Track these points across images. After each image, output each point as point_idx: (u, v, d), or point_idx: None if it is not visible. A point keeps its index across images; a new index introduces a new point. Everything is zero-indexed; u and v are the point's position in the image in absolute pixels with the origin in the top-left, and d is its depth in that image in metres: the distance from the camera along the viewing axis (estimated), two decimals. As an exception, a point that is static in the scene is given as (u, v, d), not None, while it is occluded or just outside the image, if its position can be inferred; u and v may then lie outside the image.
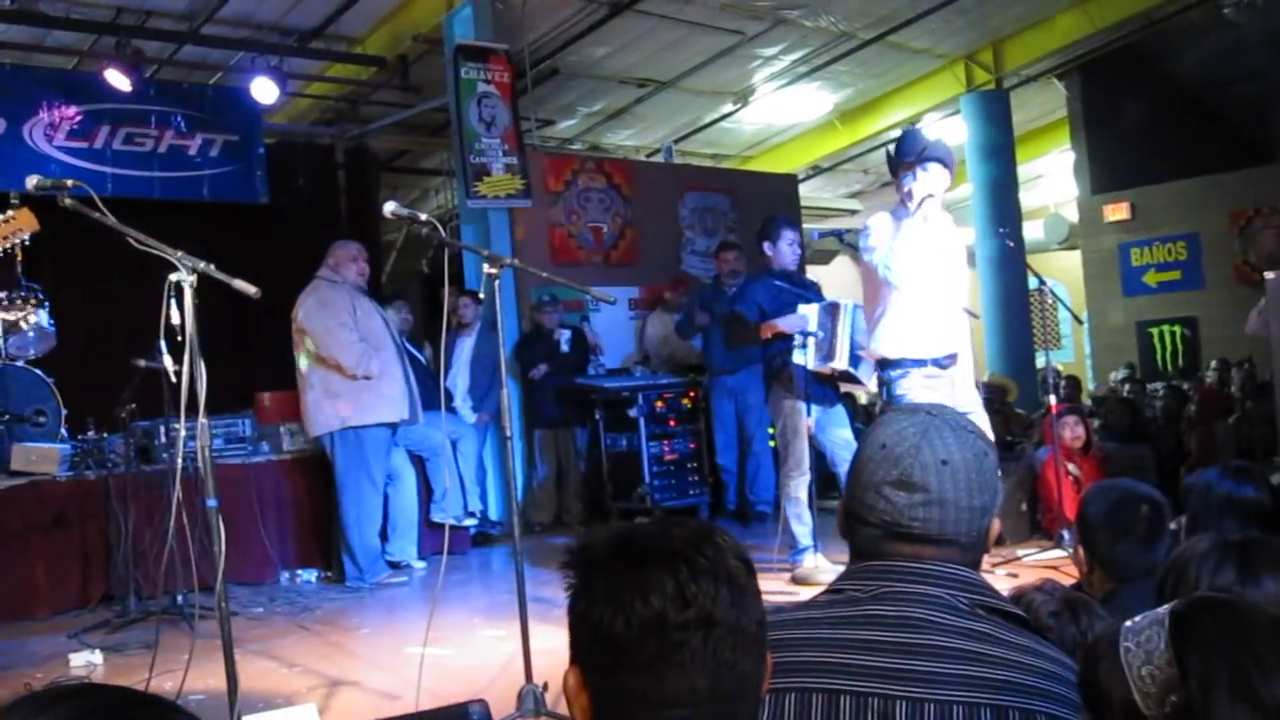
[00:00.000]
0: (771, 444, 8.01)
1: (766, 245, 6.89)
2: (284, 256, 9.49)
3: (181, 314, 3.49)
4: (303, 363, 7.14)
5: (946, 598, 1.66)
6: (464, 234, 9.67)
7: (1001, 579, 5.69)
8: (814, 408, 6.39)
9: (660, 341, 10.22)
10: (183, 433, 3.75)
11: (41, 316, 7.07)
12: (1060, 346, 17.06)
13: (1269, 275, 5.95)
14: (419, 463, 7.71)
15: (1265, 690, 1.30)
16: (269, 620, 6.28)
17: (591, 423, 9.18)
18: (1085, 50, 13.71)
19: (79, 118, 9.02)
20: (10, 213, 4.38)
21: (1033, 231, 17.09)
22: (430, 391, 7.42)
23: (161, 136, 9.49)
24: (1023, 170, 15.02)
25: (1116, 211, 15.84)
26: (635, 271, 10.89)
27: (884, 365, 5.65)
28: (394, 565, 7.36)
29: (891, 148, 5.82)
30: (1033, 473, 7.33)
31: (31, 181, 3.65)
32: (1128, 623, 1.44)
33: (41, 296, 7.10)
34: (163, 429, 6.83)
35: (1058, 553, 6.48)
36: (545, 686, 3.96)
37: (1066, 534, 6.35)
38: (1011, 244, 11.57)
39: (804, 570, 6.33)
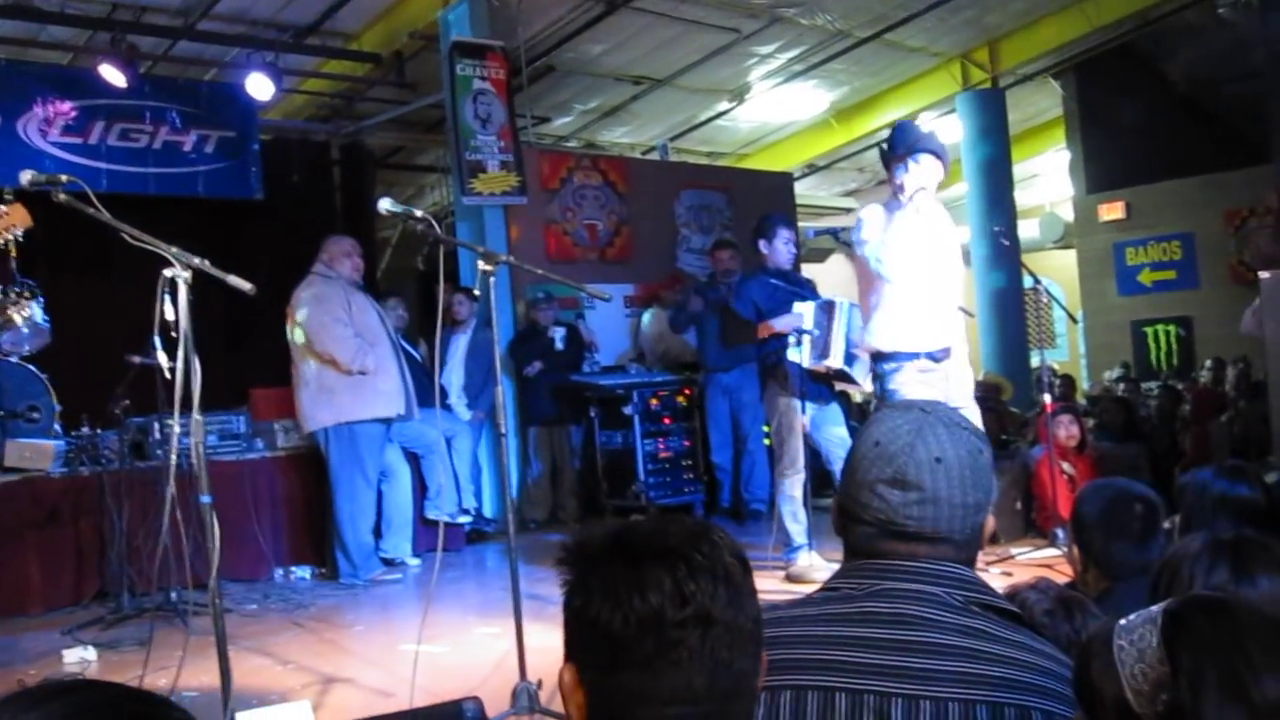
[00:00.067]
0: (766, 442, 8.01)
1: (762, 243, 6.89)
2: (279, 253, 9.46)
3: (176, 310, 3.49)
4: (297, 358, 7.13)
5: (941, 595, 1.66)
6: (459, 231, 9.66)
7: (996, 577, 5.69)
8: (809, 405, 6.40)
9: (655, 339, 10.22)
10: (177, 429, 3.75)
11: (36, 312, 7.05)
12: (1055, 345, 17.09)
13: (1264, 275, 5.96)
14: (414, 460, 7.70)
15: (1256, 690, 1.30)
16: (263, 617, 6.28)
17: (586, 420, 9.18)
18: (1081, 49, 13.73)
19: (74, 113, 9.00)
20: (4, 208, 4.38)
21: (1028, 230, 17.12)
22: (425, 388, 7.42)
23: (156, 132, 9.47)
24: (1018, 169, 15.03)
25: (1112, 211, 15.87)
26: (630, 269, 10.89)
27: (878, 358, 5.61)
28: (389, 562, 7.37)
29: (885, 141, 5.80)
30: (1027, 471, 7.35)
31: (26, 177, 3.64)
32: (1122, 621, 1.44)
33: (36, 292, 7.09)
34: (157, 425, 6.82)
35: (1052, 551, 6.49)
36: (540, 684, 3.96)
37: (1061, 533, 6.37)
38: (1007, 242, 11.58)
39: (799, 568, 6.34)
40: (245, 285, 3.61)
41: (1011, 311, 13.15)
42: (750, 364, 7.35)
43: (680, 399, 9.13)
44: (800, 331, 6.34)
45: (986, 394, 9.97)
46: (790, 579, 6.29)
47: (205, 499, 3.50)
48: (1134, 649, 1.39)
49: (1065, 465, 7.04)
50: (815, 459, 6.64)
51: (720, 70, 12.55)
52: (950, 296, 5.67)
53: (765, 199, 11.73)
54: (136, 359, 6.13)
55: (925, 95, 13.97)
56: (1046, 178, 18.47)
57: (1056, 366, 14.81)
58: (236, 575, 7.02)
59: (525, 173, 9.64)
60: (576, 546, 1.32)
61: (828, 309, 6.42)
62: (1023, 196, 16.24)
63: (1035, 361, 10.68)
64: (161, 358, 3.70)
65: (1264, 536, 2.26)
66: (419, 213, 4.56)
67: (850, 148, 15.47)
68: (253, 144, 10.03)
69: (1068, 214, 17.50)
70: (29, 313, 6.99)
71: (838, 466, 6.08)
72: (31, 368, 7.00)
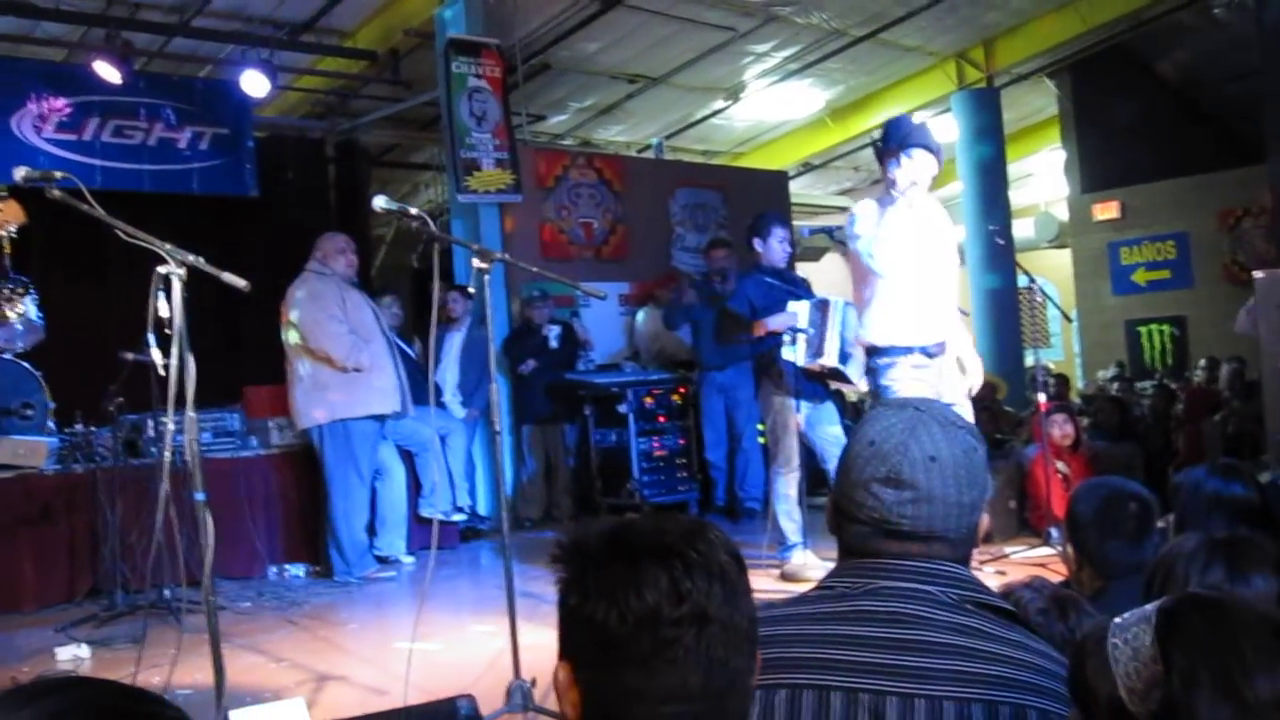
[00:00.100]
0: (761, 440, 8.01)
1: (757, 242, 6.88)
2: (273, 250, 9.47)
3: (170, 307, 3.48)
4: (291, 355, 7.12)
5: (936, 593, 1.66)
6: (454, 229, 9.64)
7: (990, 576, 5.69)
8: (803, 404, 6.40)
9: (650, 337, 10.22)
10: (171, 426, 3.74)
11: (29, 309, 7.04)
12: (1049, 345, 17.11)
13: (1258, 275, 5.99)
14: (408, 458, 7.69)
15: (1248, 689, 1.30)
16: (257, 615, 6.27)
17: (581, 418, 9.18)
18: (1076, 49, 13.73)
19: (68, 110, 8.99)
20: (-2, 204, 4.36)
21: (1023, 230, 17.14)
22: (420, 386, 7.41)
23: (151, 129, 9.45)
24: (1013, 168, 15.05)
25: (1106, 210, 15.89)
26: (625, 267, 10.89)
27: (872, 352, 5.59)
28: (383, 560, 7.36)
29: (878, 136, 5.77)
30: (1021, 470, 7.35)
31: (20, 173, 3.64)
32: (1117, 619, 1.44)
33: (30, 288, 7.08)
34: (151, 423, 6.80)
35: (1046, 550, 6.49)
36: (533, 682, 3.95)
37: (1054, 531, 6.37)
38: (1001, 242, 11.60)
39: (793, 567, 6.34)
40: (240, 282, 3.60)
41: (1006, 311, 13.16)
42: (745, 362, 7.35)
43: (675, 397, 9.13)
44: (795, 330, 6.33)
45: (981, 393, 10.00)
46: (784, 577, 6.29)
47: (199, 496, 3.50)
48: (1128, 647, 1.39)
49: (1060, 464, 7.05)
50: (810, 458, 6.64)
51: (716, 69, 12.55)
52: (944, 291, 5.64)
53: (760, 198, 11.74)
54: (130, 356, 6.11)
55: (920, 94, 13.97)
56: (1041, 177, 18.48)
57: (1051, 366, 14.83)
58: (230, 573, 7.00)
59: (520, 170, 9.63)
60: (572, 544, 1.31)
61: (822, 308, 6.41)
62: (1017, 196, 16.26)
63: (1030, 361, 10.70)
64: (156, 355, 3.70)
65: (1258, 536, 2.27)
66: (414, 210, 4.55)
67: (845, 147, 15.48)
68: (247, 141, 10.02)
69: (1062, 213, 17.52)
70: (23, 309, 6.98)
71: (832, 465, 6.07)
72: (25, 364, 6.99)
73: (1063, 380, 12.88)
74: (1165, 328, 15.61)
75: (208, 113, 9.75)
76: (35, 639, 5.80)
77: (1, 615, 6.32)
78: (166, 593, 6.00)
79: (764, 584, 6.02)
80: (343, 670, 4.94)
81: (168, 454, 3.95)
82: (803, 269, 9.50)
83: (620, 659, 1.24)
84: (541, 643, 3.79)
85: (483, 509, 8.92)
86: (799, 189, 15.76)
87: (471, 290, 8.86)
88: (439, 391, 8.58)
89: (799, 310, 6.42)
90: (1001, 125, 13.91)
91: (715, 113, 13.93)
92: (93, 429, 6.84)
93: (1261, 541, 2.22)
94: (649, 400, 8.93)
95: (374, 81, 11.05)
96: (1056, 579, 3.04)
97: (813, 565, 6.20)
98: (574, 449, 9.38)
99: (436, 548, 4.92)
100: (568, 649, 1.30)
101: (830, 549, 2.13)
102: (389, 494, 7.46)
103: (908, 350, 5.44)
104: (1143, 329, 15.80)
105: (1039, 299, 8.81)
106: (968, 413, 5.12)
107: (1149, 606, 1.44)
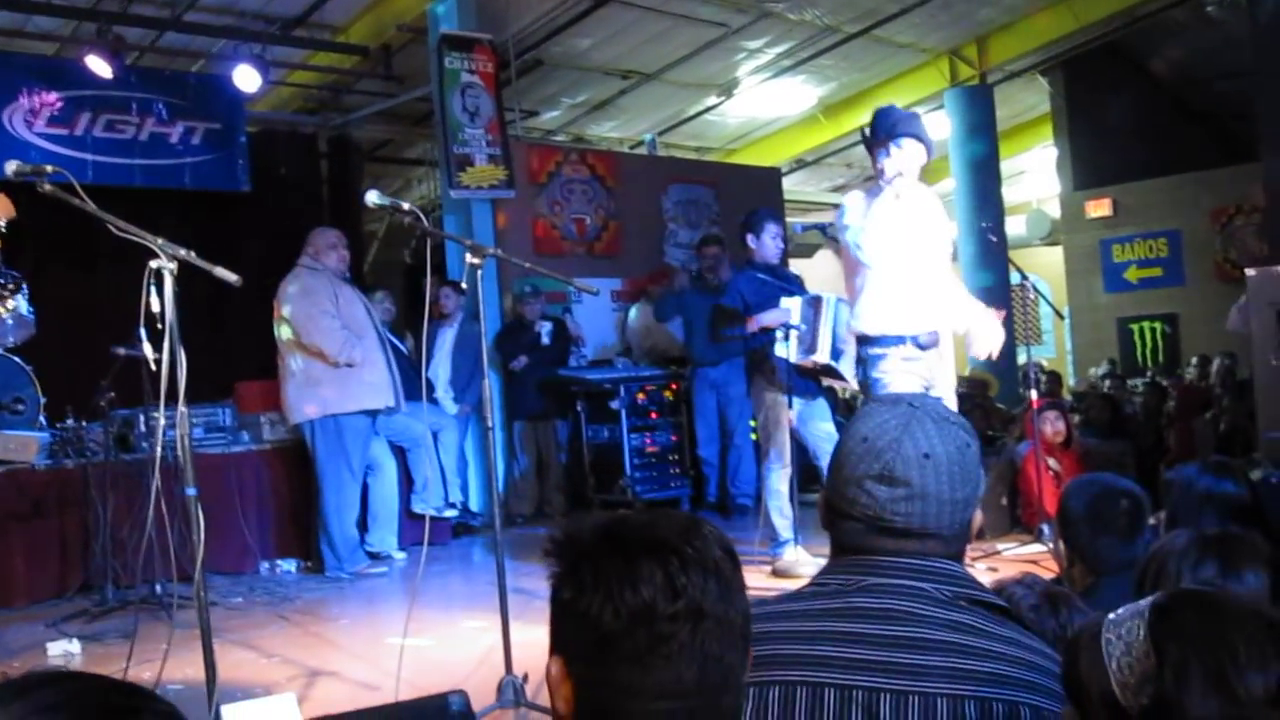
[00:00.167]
0: (753, 436, 8.02)
1: (750, 238, 6.88)
2: (266, 245, 9.45)
3: (162, 302, 3.47)
4: (283, 350, 7.11)
5: (930, 590, 1.66)
6: (447, 224, 9.64)
7: (982, 573, 5.70)
8: (796, 400, 6.40)
9: (642, 333, 10.22)
10: (162, 421, 3.73)
11: (21, 303, 7.02)
12: (1041, 342, 17.16)
13: (1249, 272, 6.00)
14: (400, 453, 7.69)
15: (1239, 684, 1.30)
16: (248, 610, 6.26)
17: (573, 414, 9.18)
18: (1069, 47, 13.77)
19: (59, 104, 8.95)
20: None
21: (1015, 227, 17.17)
22: (412, 382, 7.40)
23: (143, 124, 9.42)
24: (1005, 165, 15.06)
25: (1098, 208, 15.93)
26: (618, 263, 10.89)
27: (862, 342, 5.56)
28: (374, 556, 7.35)
29: (867, 126, 5.75)
30: (1013, 467, 7.36)
31: (11, 167, 3.62)
32: (1112, 615, 1.44)
33: (21, 283, 7.05)
34: (142, 417, 6.79)
35: (1037, 547, 6.50)
36: (525, 677, 3.95)
37: (1046, 528, 6.38)
38: (994, 239, 11.60)
39: (785, 563, 6.35)
40: (231, 277, 3.59)
41: (998, 307, 13.14)
42: (737, 358, 7.35)
43: (667, 393, 9.14)
44: (787, 326, 6.34)
45: (973, 390, 10.02)
46: (776, 574, 6.29)
47: (190, 491, 3.49)
48: (1121, 642, 1.40)
49: (1051, 461, 7.06)
50: (802, 454, 6.64)
51: (709, 65, 12.55)
52: (936, 281, 5.61)
53: (753, 194, 11.72)
54: (122, 351, 6.10)
55: (913, 91, 13.99)
56: (1034, 174, 18.52)
57: (1043, 363, 14.88)
58: (221, 568, 7.00)
59: (513, 166, 9.62)
60: (566, 538, 1.30)
61: (815, 304, 6.41)
62: (1010, 193, 16.29)
63: (1022, 358, 10.69)
64: (147, 349, 3.68)
65: (1249, 533, 2.27)
66: (406, 205, 4.55)
67: (838, 143, 15.48)
68: (240, 136, 10.00)
69: (1054, 211, 17.56)
70: (14, 304, 6.96)
71: (824, 461, 6.09)
72: (16, 359, 6.97)
73: (1055, 377, 12.91)
74: (1157, 325, 15.65)
75: (200, 108, 9.72)
76: (26, 634, 5.79)
77: (-8, 611, 6.32)
78: (158, 588, 5.99)
79: (756, 580, 6.02)
80: (334, 665, 4.93)
81: (159, 449, 3.94)
82: (796, 265, 9.51)
83: (614, 654, 1.23)
84: (533, 638, 3.80)
85: (475, 505, 8.92)
86: (792, 185, 15.76)
87: (464, 286, 8.83)
88: (431, 387, 8.57)
89: (792, 306, 6.42)
90: (994, 122, 13.94)
91: (708, 109, 13.93)
92: (84, 424, 6.83)
93: (1253, 538, 2.22)
94: (641, 396, 8.93)
95: (366, 77, 11.03)
96: (1048, 575, 3.05)
97: (804, 562, 6.20)
98: (566, 445, 9.37)
99: (428, 543, 4.91)
100: (560, 644, 1.29)
101: (822, 545, 2.13)
102: (381, 489, 7.45)
103: (899, 340, 5.42)
104: (1135, 326, 15.84)
105: (1031, 296, 8.81)
106: (952, 405, 5.12)
107: (1143, 602, 1.44)
